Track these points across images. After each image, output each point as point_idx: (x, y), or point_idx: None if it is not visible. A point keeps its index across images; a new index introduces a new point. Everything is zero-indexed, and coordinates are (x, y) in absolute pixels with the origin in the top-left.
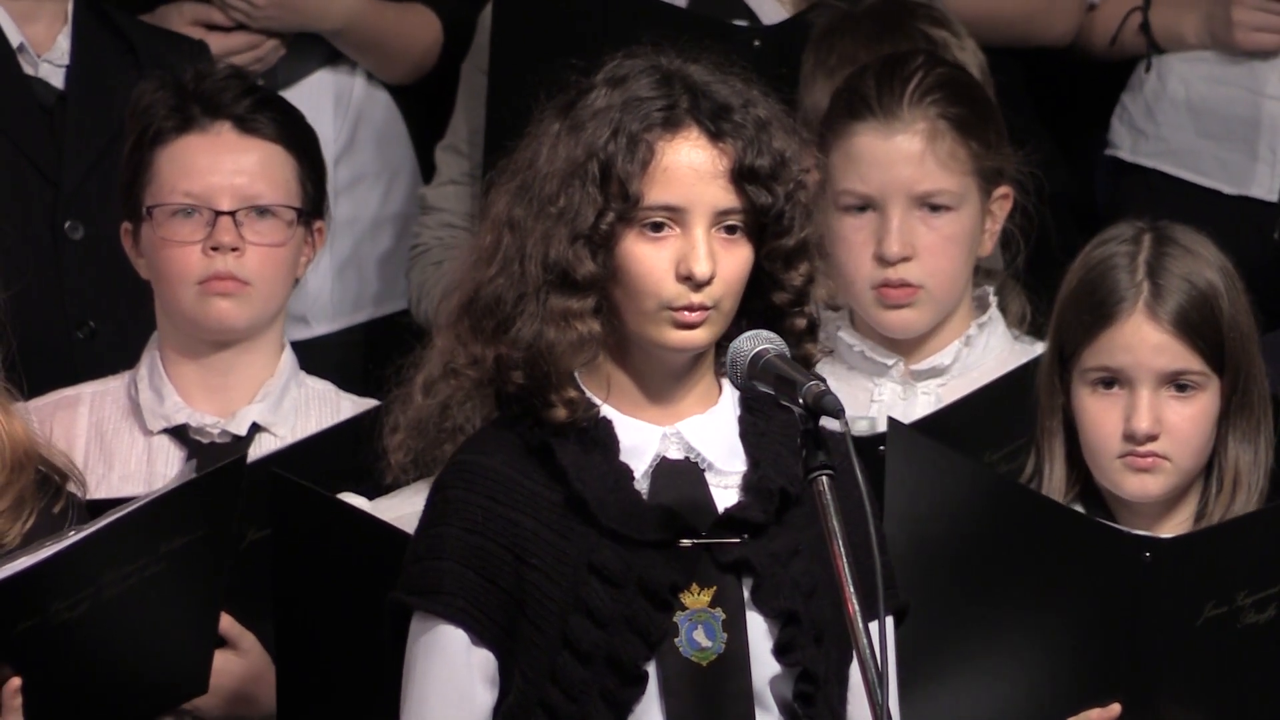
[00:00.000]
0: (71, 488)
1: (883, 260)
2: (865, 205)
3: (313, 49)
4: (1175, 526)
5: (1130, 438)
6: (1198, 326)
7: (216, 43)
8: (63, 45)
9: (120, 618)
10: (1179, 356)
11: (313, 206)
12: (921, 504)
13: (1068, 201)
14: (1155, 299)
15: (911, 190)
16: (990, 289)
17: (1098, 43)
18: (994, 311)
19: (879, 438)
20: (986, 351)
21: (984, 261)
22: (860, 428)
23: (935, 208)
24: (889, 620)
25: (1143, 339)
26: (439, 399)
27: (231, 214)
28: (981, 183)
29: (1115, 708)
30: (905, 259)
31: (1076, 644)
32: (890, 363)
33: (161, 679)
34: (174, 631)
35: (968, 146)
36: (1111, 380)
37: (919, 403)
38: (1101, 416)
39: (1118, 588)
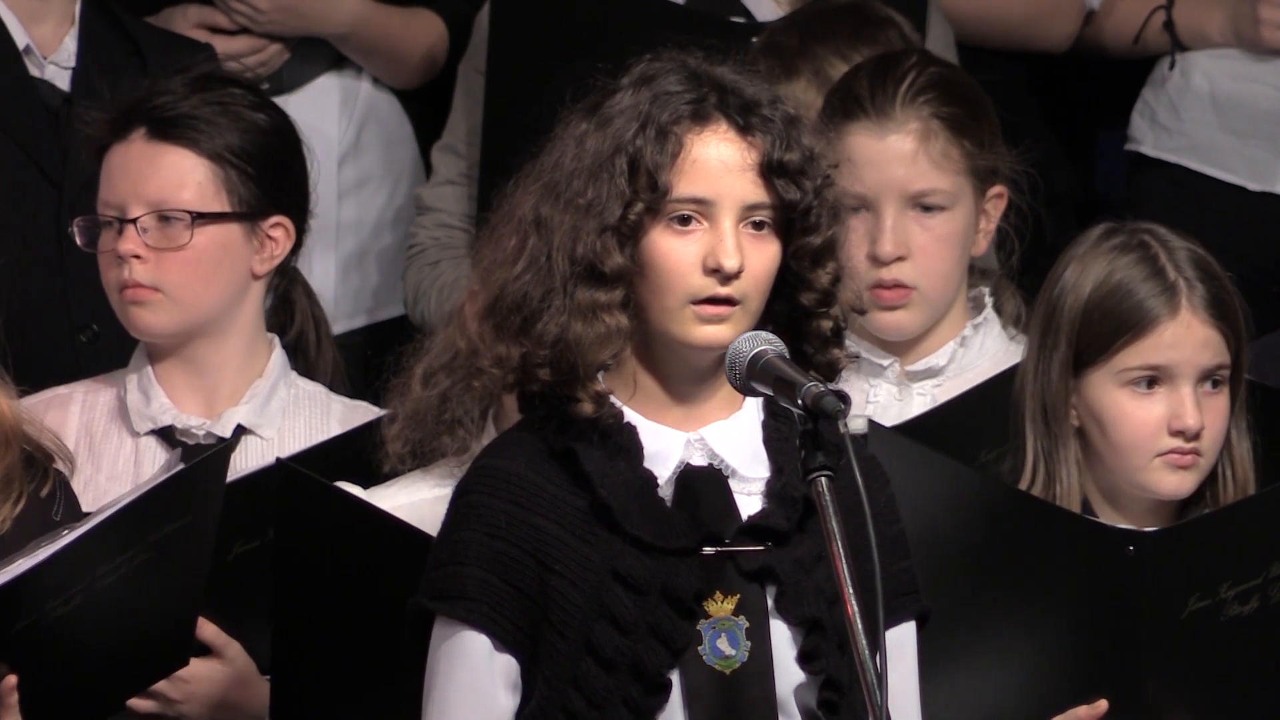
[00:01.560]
0: (59, 466)
1: (877, 260)
2: (859, 205)
3: (319, 52)
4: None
5: (1179, 434)
6: (1228, 316)
7: (220, 46)
8: (69, 47)
9: (110, 607)
10: (1219, 351)
11: (254, 207)
12: (904, 505)
13: (1070, 200)
14: (1194, 294)
15: (905, 190)
16: (985, 289)
17: (1117, 42)
18: (989, 312)
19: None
20: (982, 352)
21: (979, 261)
22: (856, 426)
23: (929, 207)
24: (912, 625)
25: (1191, 335)
26: (438, 390)
27: (133, 221)
28: (975, 182)
29: (1102, 704)
30: (899, 259)
31: (1062, 640)
32: (885, 364)
33: (147, 657)
34: (160, 611)
35: (961, 146)
36: (1152, 379)
37: (915, 403)
38: (1143, 416)
39: (1102, 582)
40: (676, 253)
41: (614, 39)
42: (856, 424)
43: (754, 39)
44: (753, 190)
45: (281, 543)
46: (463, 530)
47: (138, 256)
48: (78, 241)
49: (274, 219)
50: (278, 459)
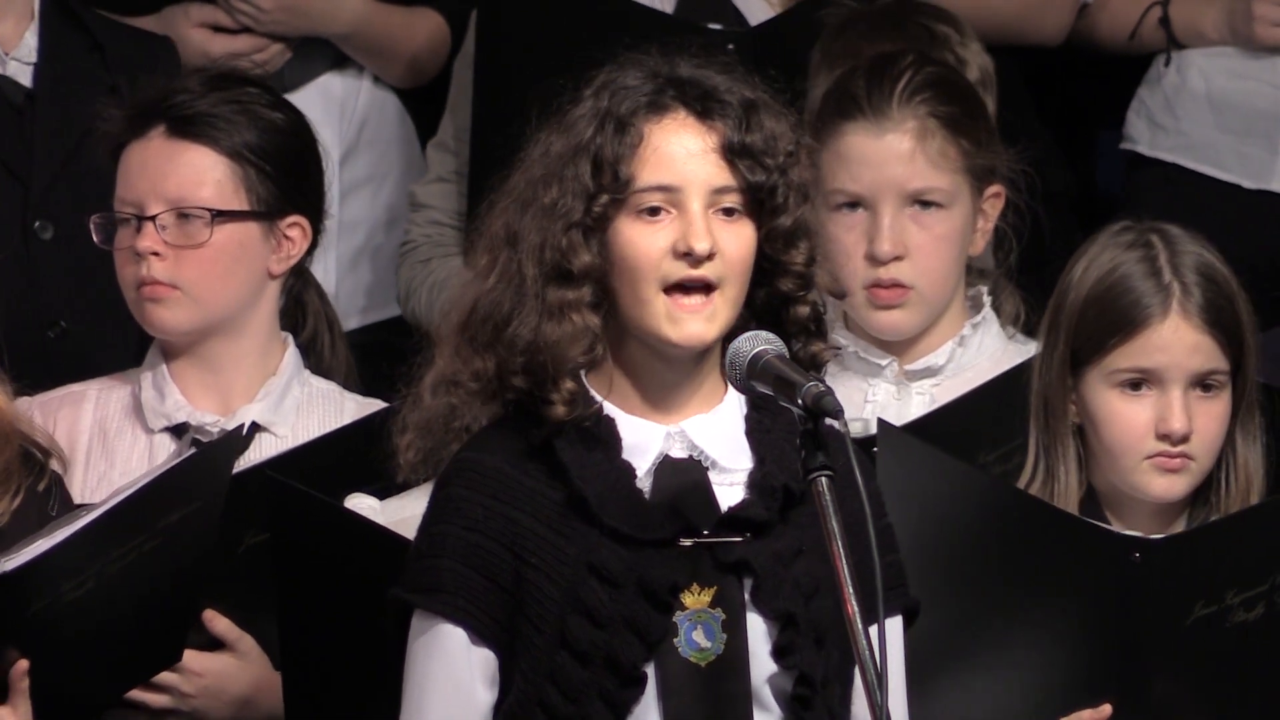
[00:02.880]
0: (54, 464)
1: (874, 260)
2: (856, 204)
3: (320, 51)
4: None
5: (1165, 438)
6: (1224, 324)
7: (223, 45)
8: (30, 43)
9: (119, 593)
10: (1211, 356)
11: (272, 207)
12: (913, 506)
13: (1067, 199)
14: (1188, 298)
15: (902, 189)
16: (984, 288)
17: (1112, 37)
18: (988, 311)
19: (873, 439)
20: (980, 351)
21: (976, 261)
22: (854, 429)
23: (926, 204)
24: (898, 620)
25: (1180, 339)
26: (447, 399)
27: (152, 218)
28: (973, 181)
29: (1106, 708)
30: (897, 258)
31: (1068, 644)
32: (884, 363)
33: (147, 648)
34: (163, 601)
35: (958, 144)
36: (1140, 381)
37: (913, 403)
38: (1132, 418)
39: (1108, 588)
40: (645, 240)
41: (596, 44)
42: (854, 426)
43: (730, 45)
44: (717, 174)
45: (278, 552)
46: (441, 523)
47: (156, 254)
48: (95, 238)
49: (291, 219)
50: (264, 469)
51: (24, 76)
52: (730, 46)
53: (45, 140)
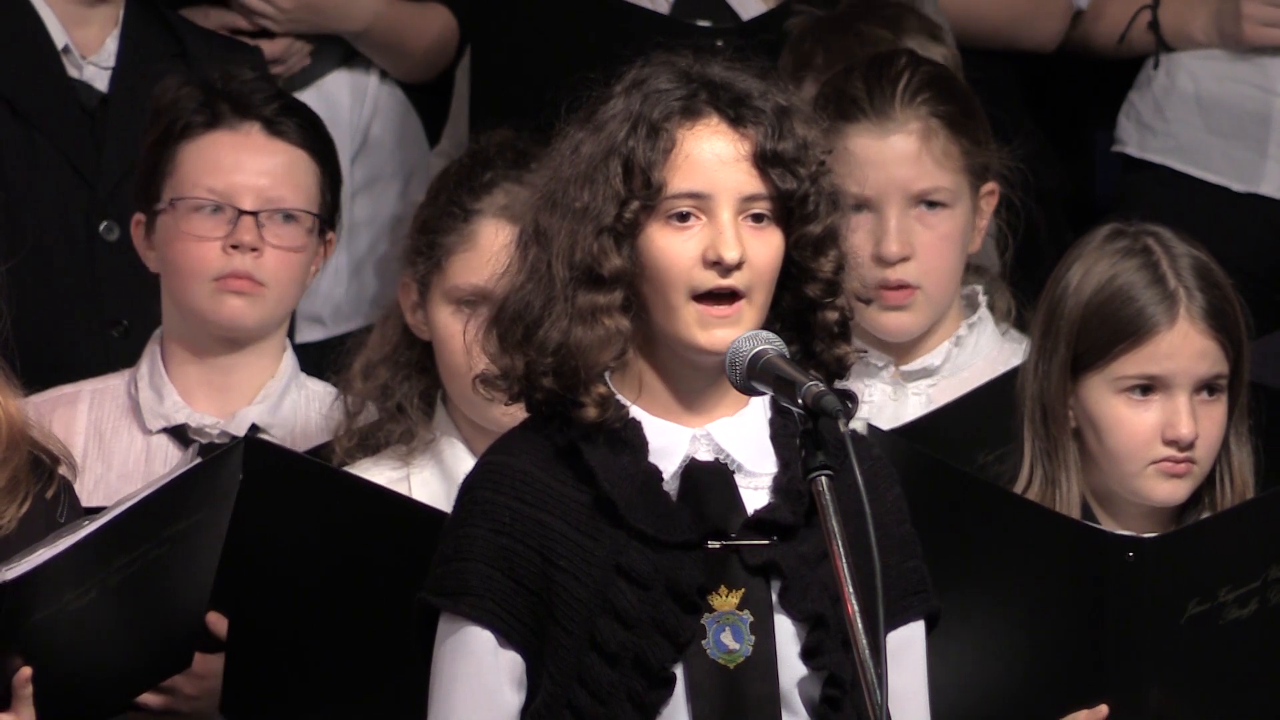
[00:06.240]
0: (63, 471)
1: (881, 261)
2: (860, 206)
3: (329, 49)
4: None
5: (1173, 443)
6: (1227, 327)
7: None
8: (110, 48)
9: (123, 600)
10: (1216, 361)
11: (328, 216)
12: (908, 509)
13: (1060, 198)
14: (1193, 304)
15: (909, 189)
16: (979, 287)
17: (1104, 41)
18: (984, 311)
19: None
20: (976, 351)
21: (972, 259)
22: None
23: (932, 204)
24: (920, 625)
25: (1188, 345)
26: (379, 382)
27: (254, 214)
28: (971, 179)
29: (1103, 709)
30: (904, 259)
31: (1063, 645)
32: (881, 364)
33: (154, 655)
34: (170, 608)
35: (959, 143)
36: (1149, 387)
37: (910, 404)
38: (1138, 423)
39: (1102, 588)
40: (675, 248)
41: (589, 46)
42: (857, 425)
43: (719, 43)
44: (748, 182)
45: (243, 516)
46: (468, 526)
47: (255, 249)
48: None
49: (331, 232)
50: (248, 434)
51: (100, 81)
52: (719, 44)
53: (115, 143)
